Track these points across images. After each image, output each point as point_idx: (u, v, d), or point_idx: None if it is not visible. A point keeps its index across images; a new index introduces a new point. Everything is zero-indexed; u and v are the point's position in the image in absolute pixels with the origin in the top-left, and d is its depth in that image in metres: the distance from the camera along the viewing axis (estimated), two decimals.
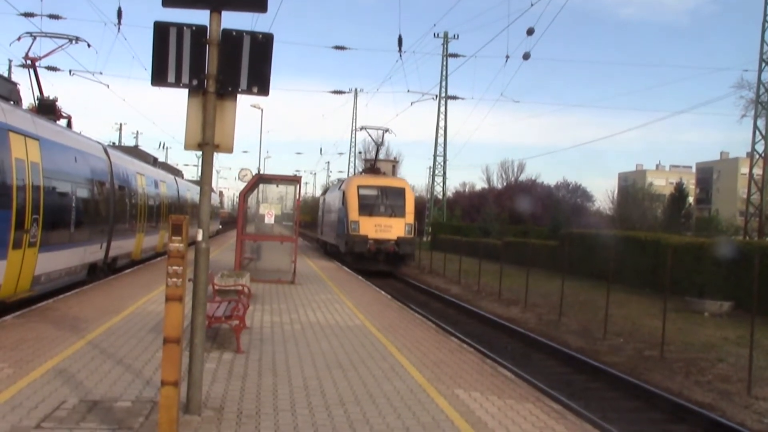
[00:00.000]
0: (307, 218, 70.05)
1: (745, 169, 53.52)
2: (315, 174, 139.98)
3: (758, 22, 34.27)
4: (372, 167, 33.47)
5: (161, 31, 6.24)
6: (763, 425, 9.46)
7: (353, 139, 73.04)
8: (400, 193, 29.11)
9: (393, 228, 27.95)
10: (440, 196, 57.59)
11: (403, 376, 8.53)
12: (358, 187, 29.35)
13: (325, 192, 45.45)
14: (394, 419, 6.65)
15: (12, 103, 13.31)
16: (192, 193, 37.21)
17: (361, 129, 34.71)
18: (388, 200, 28.60)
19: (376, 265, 27.97)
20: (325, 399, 7.23)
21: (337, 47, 35.87)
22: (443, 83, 43.92)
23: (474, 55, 69.69)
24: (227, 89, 6.37)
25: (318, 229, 45.67)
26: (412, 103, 57.86)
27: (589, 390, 11.28)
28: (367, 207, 28.29)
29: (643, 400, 10.63)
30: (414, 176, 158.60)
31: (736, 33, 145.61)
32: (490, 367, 9.67)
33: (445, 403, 7.32)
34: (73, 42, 19.21)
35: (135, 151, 29.80)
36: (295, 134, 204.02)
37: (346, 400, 7.24)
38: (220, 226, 61.37)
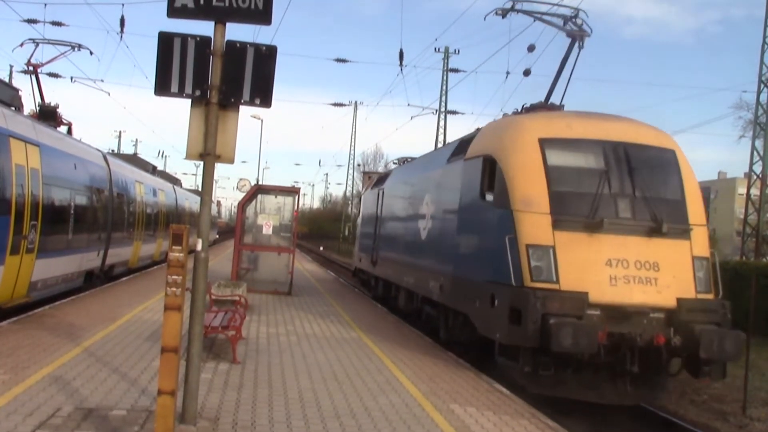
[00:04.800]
0: (304, 229, 70.16)
1: (742, 190, 53.66)
2: (313, 186, 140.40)
3: (757, 43, 34.55)
4: (547, 101, 12.30)
5: (166, 41, 6.30)
6: None
7: (352, 152, 73.06)
8: (665, 162, 10.22)
9: (661, 270, 9.20)
10: None
11: (398, 389, 8.53)
12: (543, 143, 9.84)
13: (384, 177, 20.75)
14: None
15: (13, 109, 13.35)
16: (190, 202, 37.22)
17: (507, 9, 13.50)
18: (636, 183, 9.69)
19: (610, 391, 9.47)
20: (321, 411, 7.23)
21: (338, 60, 35.94)
22: (443, 98, 43.95)
23: (474, 71, 69.63)
24: (230, 100, 6.42)
25: (365, 255, 21.54)
26: (412, 117, 57.94)
27: (583, 408, 11.24)
28: (580, 201, 9.47)
29: (637, 418, 10.61)
30: None
31: (736, 54, 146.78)
32: (486, 382, 9.66)
33: (440, 418, 7.32)
34: (76, 49, 19.34)
35: (134, 159, 29.84)
36: (294, 145, 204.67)
37: (342, 412, 7.24)
38: (218, 236, 61.47)
